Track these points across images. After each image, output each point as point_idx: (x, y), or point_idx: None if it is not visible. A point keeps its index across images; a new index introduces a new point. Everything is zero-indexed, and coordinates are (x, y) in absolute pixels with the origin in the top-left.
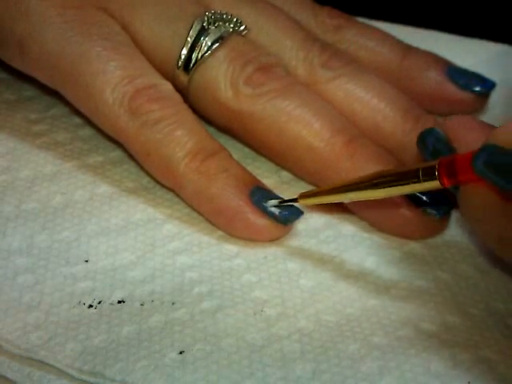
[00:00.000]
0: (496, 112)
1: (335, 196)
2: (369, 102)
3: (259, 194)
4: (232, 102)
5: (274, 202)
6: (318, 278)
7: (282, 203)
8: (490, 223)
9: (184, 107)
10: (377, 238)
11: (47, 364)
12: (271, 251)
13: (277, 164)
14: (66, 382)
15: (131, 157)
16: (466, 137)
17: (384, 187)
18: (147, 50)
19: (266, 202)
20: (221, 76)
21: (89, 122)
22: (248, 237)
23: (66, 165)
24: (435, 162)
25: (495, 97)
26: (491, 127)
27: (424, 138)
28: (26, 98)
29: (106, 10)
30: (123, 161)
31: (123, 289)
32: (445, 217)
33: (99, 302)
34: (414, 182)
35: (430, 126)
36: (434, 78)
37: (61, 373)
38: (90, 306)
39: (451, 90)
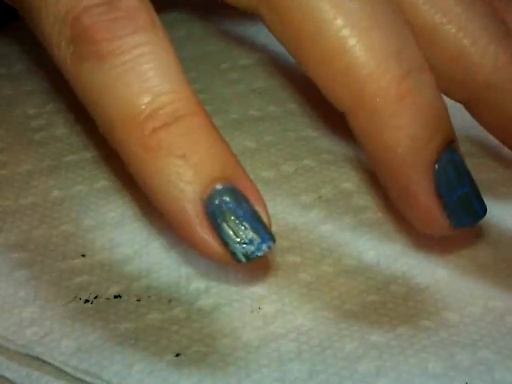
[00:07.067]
0: None
1: None
2: (458, 16)
3: (222, 202)
4: None
5: None
6: (317, 272)
7: None
8: None
9: (159, 36)
10: (377, 233)
11: (44, 362)
12: None
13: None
14: (64, 383)
15: None
16: None
17: None
18: None
19: (229, 216)
20: None
21: (87, 116)
22: (193, 249)
23: (63, 159)
24: None
25: None
26: None
27: None
28: (24, 93)
29: None
30: None
31: (119, 283)
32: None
33: (95, 297)
34: None
35: None
36: None
37: (59, 373)
38: (87, 300)
39: None
